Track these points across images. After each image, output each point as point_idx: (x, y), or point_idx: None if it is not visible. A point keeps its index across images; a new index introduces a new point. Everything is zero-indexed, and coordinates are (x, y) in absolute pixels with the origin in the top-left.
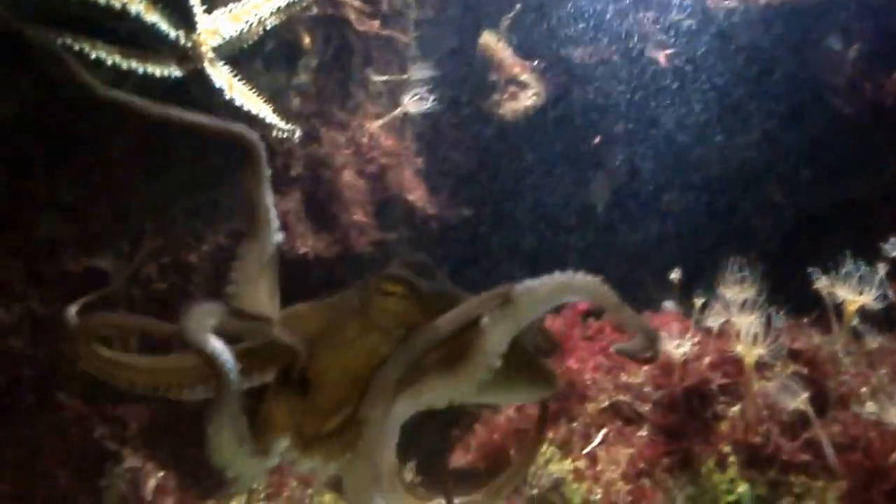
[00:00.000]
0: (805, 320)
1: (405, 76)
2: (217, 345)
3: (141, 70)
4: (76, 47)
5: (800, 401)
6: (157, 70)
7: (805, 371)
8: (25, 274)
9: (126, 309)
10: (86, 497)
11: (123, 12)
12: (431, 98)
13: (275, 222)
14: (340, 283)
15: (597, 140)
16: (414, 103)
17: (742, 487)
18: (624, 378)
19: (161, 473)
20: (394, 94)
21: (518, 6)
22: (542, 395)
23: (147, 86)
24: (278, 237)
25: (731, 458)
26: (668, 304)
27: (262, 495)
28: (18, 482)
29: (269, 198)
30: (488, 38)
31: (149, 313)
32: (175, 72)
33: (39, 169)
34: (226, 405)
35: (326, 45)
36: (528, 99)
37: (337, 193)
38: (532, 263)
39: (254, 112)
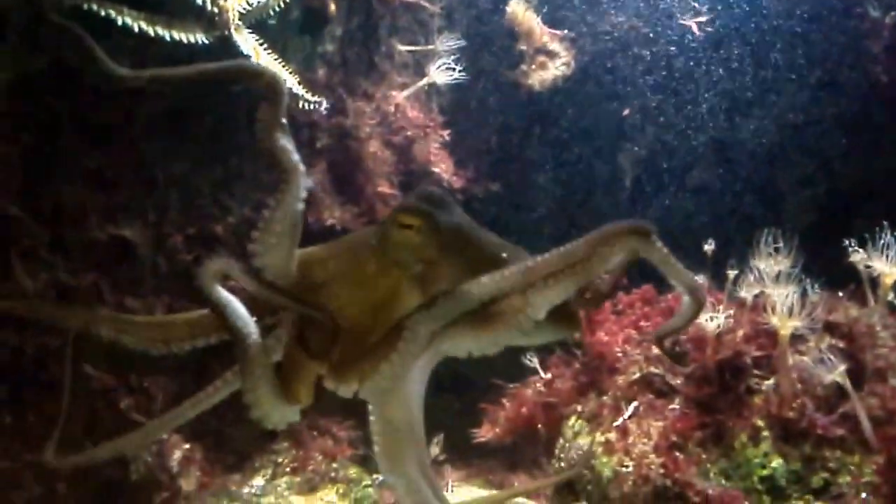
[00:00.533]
0: (841, 294)
1: (431, 46)
2: (225, 294)
3: (168, 37)
4: (102, 13)
5: (837, 374)
6: (183, 36)
7: (841, 344)
8: (51, 242)
9: (153, 280)
10: (112, 468)
11: None
12: (458, 68)
13: (300, 167)
14: None
15: (626, 111)
16: (440, 74)
17: (776, 462)
18: (656, 351)
19: (187, 445)
20: (420, 64)
21: None
22: (564, 336)
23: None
24: (305, 182)
25: (765, 433)
26: (700, 277)
27: (288, 469)
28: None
29: (289, 140)
30: (516, 7)
31: (174, 285)
32: (201, 38)
33: (65, 136)
34: (248, 356)
35: (352, 14)
36: (556, 69)
37: (363, 165)
38: (558, 237)
39: None
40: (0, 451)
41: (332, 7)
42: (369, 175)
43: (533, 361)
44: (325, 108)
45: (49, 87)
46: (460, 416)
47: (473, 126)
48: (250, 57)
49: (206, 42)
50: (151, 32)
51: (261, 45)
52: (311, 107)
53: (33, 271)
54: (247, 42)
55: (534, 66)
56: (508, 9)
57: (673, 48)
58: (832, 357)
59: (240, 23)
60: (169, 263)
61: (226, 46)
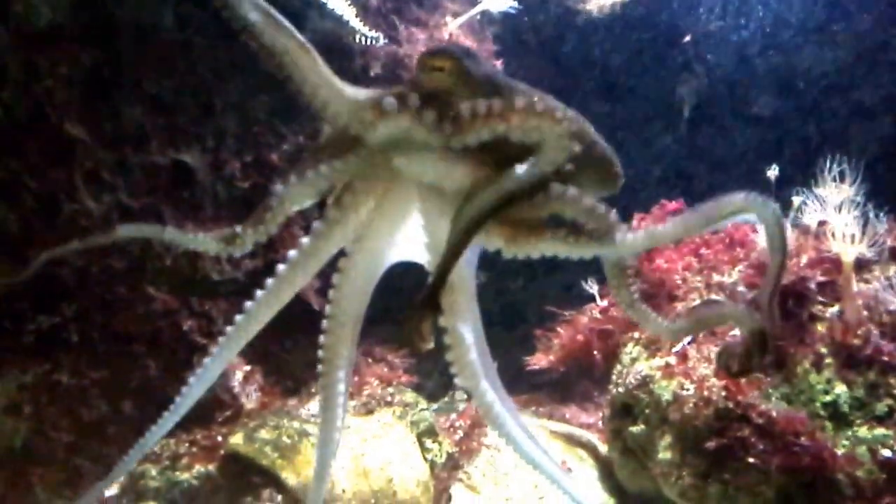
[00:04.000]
0: None
1: None
2: None
3: None
4: None
5: None
6: None
7: None
8: (114, 164)
9: (211, 206)
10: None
11: None
12: None
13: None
14: None
15: (686, 38)
16: (494, 1)
17: (839, 388)
18: (716, 278)
19: (248, 367)
20: None
21: None
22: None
23: None
24: None
25: (828, 360)
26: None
27: None
28: (113, 370)
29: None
30: None
31: (231, 211)
32: None
33: (126, 57)
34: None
35: None
36: None
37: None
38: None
39: (338, 13)
40: (68, 368)
41: None
42: None
43: (592, 288)
44: (382, 44)
45: (110, 6)
46: (510, 349)
47: (528, 54)
48: None
49: None
50: None
51: None
52: (368, 41)
53: (96, 193)
54: None
55: None
56: None
57: None
58: None
59: None
60: (227, 189)
61: None
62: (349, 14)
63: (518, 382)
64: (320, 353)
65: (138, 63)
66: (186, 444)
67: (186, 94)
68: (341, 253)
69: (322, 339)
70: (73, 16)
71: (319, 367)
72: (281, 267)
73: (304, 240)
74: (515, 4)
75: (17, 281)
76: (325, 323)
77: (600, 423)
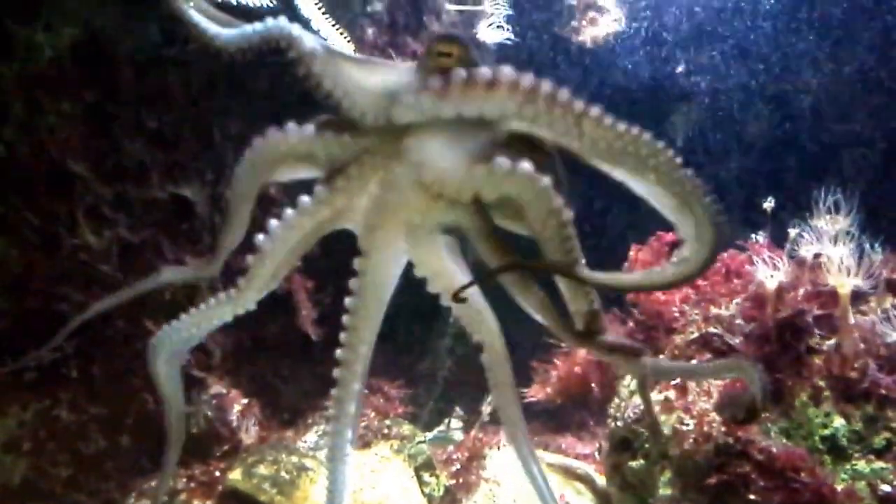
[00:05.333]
0: None
1: (480, 6)
2: None
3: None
4: None
5: None
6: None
7: None
8: (114, 199)
9: (210, 238)
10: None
11: None
12: (507, 27)
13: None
14: None
15: (679, 69)
16: (489, 32)
17: (837, 422)
18: (714, 310)
19: (245, 401)
20: (468, 23)
21: None
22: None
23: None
24: None
25: (826, 393)
26: (760, 236)
27: None
28: (111, 405)
29: None
30: None
31: None
32: (265, 1)
33: (126, 93)
34: None
35: None
36: (608, 25)
37: None
38: (607, 197)
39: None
40: (67, 404)
41: None
42: None
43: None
44: None
45: (111, 46)
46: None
47: None
48: (311, 21)
49: (270, 4)
50: None
51: (317, 6)
52: None
53: (97, 228)
54: (307, 3)
55: (584, 23)
56: None
57: (727, 3)
58: (894, 317)
59: None
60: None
61: (288, 8)
62: (346, 46)
63: None
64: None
65: (139, 98)
66: (184, 480)
67: (186, 127)
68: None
69: (338, 354)
70: (74, 53)
71: (333, 391)
72: (261, 238)
73: (289, 211)
74: (511, 35)
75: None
76: (339, 351)
77: (597, 453)
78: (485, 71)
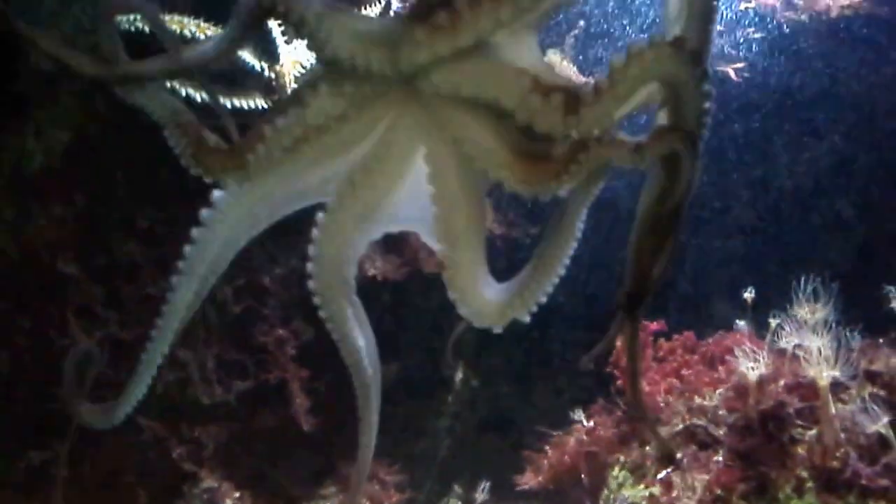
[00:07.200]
0: (881, 340)
1: None
2: None
3: (229, 104)
4: (167, 84)
5: (880, 425)
6: (243, 102)
7: (883, 393)
8: (106, 298)
9: (203, 332)
10: None
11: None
12: None
13: None
14: (410, 305)
15: None
16: None
17: None
18: (698, 401)
19: (237, 494)
20: None
21: (581, 24)
22: None
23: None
24: None
25: (809, 484)
26: (741, 324)
27: None
28: (101, 501)
29: None
30: (553, 57)
31: (225, 336)
32: (261, 103)
33: (118, 193)
34: None
35: None
36: None
37: None
38: (597, 283)
39: None
40: None
41: None
42: None
43: (577, 414)
44: None
45: (104, 148)
46: (504, 455)
47: None
48: None
49: (265, 108)
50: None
51: None
52: None
53: (88, 327)
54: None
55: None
56: (545, 59)
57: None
58: (875, 407)
59: (296, 86)
60: (219, 315)
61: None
62: None
63: (509, 489)
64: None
65: (131, 199)
66: None
67: (179, 225)
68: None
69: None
70: (67, 159)
71: None
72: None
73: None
74: None
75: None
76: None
77: None
78: None
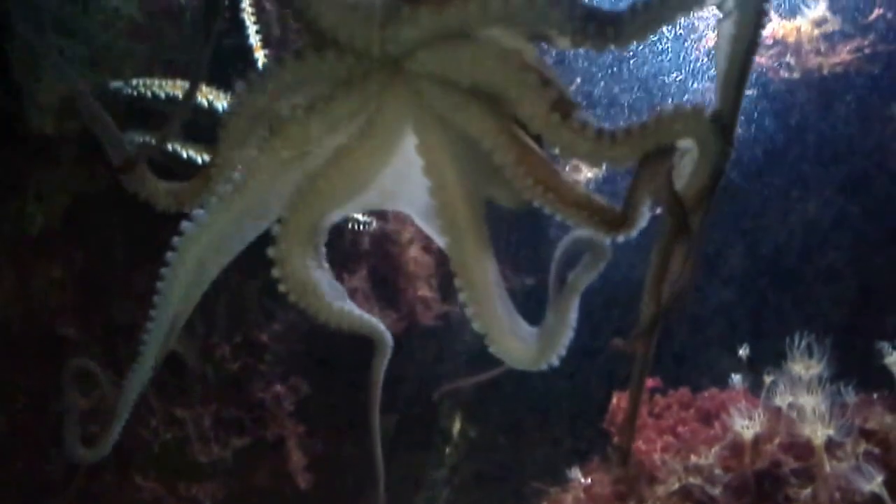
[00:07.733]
0: (875, 396)
1: None
2: None
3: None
4: (170, 148)
5: (875, 484)
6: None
7: (877, 451)
8: (104, 360)
9: (201, 388)
10: None
11: (211, 110)
12: None
13: None
14: (407, 357)
15: (658, 210)
16: None
17: None
18: (694, 459)
19: None
20: None
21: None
22: None
23: None
24: None
25: None
26: (736, 380)
27: None
28: None
29: None
30: None
31: (222, 393)
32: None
33: (118, 257)
34: None
35: None
36: (588, 172)
37: (403, 269)
38: (589, 334)
39: None
40: None
41: None
42: (410, 278)
43: (574, 472)
44: (374, 228)
45: (103, 210)
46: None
47: (507, 224)
48: None
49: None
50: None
51: None
52: (361, 227)
53: (85, 389)
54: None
55: (567, 169)
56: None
57: None
58: (869, 466)
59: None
60: (216, 372)
61: None
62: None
63: None
64: None
65: (130, 262)
66: None
67: None
68: None
69: None
70: (67, 221)
71: None
72: None
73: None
74: None
75: None
76: None
77: None
78: None
